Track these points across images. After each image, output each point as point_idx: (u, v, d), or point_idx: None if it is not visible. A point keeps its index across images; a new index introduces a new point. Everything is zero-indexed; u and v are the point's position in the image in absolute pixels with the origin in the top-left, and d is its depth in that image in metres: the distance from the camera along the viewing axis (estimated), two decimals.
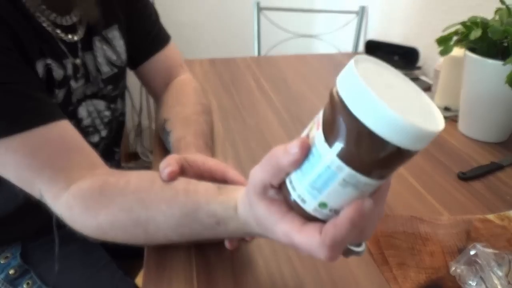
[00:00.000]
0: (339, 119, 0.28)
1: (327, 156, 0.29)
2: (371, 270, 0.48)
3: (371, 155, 0.27)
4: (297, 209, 0.33)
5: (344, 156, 0.28)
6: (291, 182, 0.32)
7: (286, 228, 0.33)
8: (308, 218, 0.32)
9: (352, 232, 0.30)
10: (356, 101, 0.26)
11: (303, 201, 0.32)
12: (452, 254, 0.50)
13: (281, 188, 0.33)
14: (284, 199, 0.34)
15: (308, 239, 0.32)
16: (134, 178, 0.48)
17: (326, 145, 0.29)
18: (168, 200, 0.44)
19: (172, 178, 0.45)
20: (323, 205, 0.31)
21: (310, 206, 0.31)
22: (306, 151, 0.30)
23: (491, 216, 0.56)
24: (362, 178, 0.29)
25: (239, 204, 0.39)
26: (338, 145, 0.28)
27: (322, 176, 0.30)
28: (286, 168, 0.32)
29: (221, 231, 0.42)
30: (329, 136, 0.29)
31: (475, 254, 0.45)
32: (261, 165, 0.33)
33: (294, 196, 0.32)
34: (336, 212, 0.31)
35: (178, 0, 1.95)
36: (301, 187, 0.31)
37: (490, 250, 0.45)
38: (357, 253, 0.35)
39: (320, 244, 0.31)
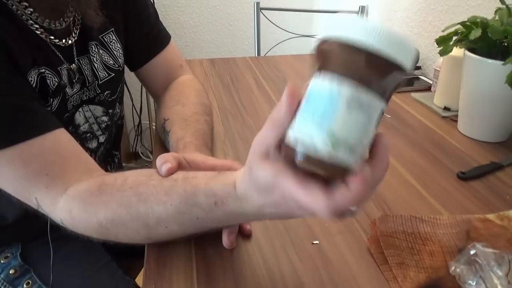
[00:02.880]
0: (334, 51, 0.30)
1: (325, 85, 0.30)
2: (371, 270, 0.48)
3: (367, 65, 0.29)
4: (311, 162, 0.31)
5: (343, 73, 0.29)
6: (296, 139, 0.31)
7: (288, 186, 0.32)
8: (321, 168, 0.31)
9: (356, 200, 0.31)
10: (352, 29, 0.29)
11: (315, 150, 0.30)
12: (452, 253, 0.50)
13: (282, 151, 0.33)
14: (288, 160, 0.33)
15: (312, 198, 0.31)
16: (131, 175, 0.48)
17: (323, 78, 0.30)
18: (167, 189, 0.44)
19: (170, 174, 0.45)
20: (335, 142, 0.30)
21: (323, 151, 0.30)
22: (295, 95, 0.32)
23: (491, 216, 0.56)
24: (364, 95, 0.29)
25: (239, 178, 0.39)
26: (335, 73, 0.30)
27: (326, 106, 0.30)
28: (283, 118, 0.32)
29: (219, 214, 0.41)
30: (325, 68, 0.30)
31: (475, 254, 0.45)
32: (262, 129, 0.34)
33: (301, 150, 0.31)
34: (353, 151, 0.30)
35: (178, 0, 1.95)
36: (307, 134, 0.30)
37: (490, 250, 0.45)
38: (352, 213, 0.34)
39: (325, 206, 0.31)
